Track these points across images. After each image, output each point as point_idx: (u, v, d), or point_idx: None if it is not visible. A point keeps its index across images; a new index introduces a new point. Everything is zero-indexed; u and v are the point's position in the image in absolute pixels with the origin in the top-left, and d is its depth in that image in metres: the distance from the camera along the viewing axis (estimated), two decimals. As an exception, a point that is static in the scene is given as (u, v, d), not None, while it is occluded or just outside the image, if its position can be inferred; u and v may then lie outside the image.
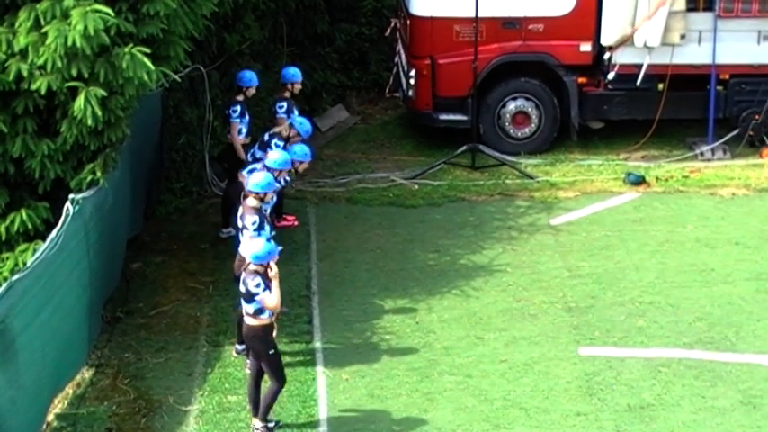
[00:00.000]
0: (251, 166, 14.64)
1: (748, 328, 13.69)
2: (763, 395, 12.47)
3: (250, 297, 11.68)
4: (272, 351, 11.84)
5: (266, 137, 15.12)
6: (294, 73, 16.03)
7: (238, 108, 15.48)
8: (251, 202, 13.02)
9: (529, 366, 13.06)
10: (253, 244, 11.95)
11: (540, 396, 12.55)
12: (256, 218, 12.88)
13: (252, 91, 15.78)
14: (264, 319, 11.75)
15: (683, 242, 15.68)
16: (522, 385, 12.74)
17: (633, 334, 13.63)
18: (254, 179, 13.12)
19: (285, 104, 15.73)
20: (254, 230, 12.84)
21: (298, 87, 16.13)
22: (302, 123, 15.24)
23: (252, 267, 11.72)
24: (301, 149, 14.53)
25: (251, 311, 11.76)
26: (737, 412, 12.21)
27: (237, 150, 15.38)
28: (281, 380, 11.88)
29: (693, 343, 13.42)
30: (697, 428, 11.98)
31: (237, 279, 12.70)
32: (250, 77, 15.69)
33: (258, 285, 11.61)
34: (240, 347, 13.18)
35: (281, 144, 14.88)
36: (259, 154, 14.96)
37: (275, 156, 13.90)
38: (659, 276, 14.85)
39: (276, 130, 15.27)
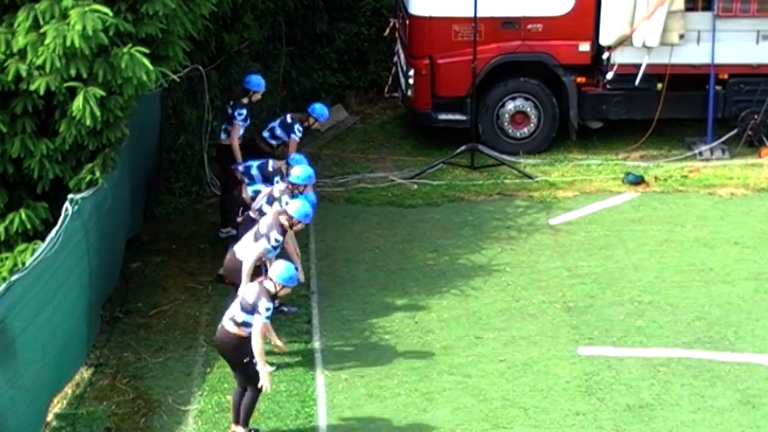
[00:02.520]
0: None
1: (747, 328, 13.69)
2: (762, 395, 12.47)
3: (251, 310, 11.56)
4: (247, 359, 11.67)
5: (270, 166, 14.93)
6: (321, 113, 15.88)
7: (244, 111, 15.45)
8: (282, 218, 13.07)
9: (528, 366, 13.06)
10: (277, 265, 11.85)
11: (539, 396, 12.55)
12: (280, 237, 12.93)
13: (257, 96, 15.78)
14: (244, 332, 11.62)
15: (682, 242, 15.69)
16: (521, 385, 12.74)
17: (632, 333, 13.63)
18: (296, 172, 13.51)
19: (302, 131, 15.67)
20: (272, 247, 12.87)
21: (316, 125, 16.03)
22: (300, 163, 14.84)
23: (267, 287, 11.62)
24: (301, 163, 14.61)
25: (239, 320, 11.61)
26: (736, 412, 12.21)
27: (235, 153, 15.36)
28: (257, 387, 11.73)
29: (692, 342, 13.43)
30: (696, 428, 11.98)
31: (220, 279, 12.77)
32: (258, 82, 15.68)
33: (268, 310, 11.53)
34: None
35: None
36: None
37: (299, 171, 13.87)
38: (658, 276, 14.85)
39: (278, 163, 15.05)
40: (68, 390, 12.67)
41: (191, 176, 16.75)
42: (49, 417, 12.17)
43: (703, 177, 17.49)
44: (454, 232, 16.09)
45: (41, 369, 11.43)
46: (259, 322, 11.49)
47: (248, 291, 11.68)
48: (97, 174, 12.44)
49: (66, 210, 11.72)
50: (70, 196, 11.92)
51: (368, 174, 17.93)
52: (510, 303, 14.33)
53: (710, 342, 13.44)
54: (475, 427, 12.07)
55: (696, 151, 18.17)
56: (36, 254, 11.15)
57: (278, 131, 15.71)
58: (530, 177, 17.57)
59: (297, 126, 15.65)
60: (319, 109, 15.93)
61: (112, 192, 13.07)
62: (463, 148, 17.89)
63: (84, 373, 13.00)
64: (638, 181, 17.34)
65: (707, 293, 14.43)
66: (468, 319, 14.01)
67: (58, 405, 12.43)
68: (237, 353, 11.67)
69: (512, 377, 12.88)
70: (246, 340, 11.60)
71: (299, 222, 13.12)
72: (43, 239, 11.58)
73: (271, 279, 11.68)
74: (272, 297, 11.65)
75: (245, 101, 15.57)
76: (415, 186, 17.45)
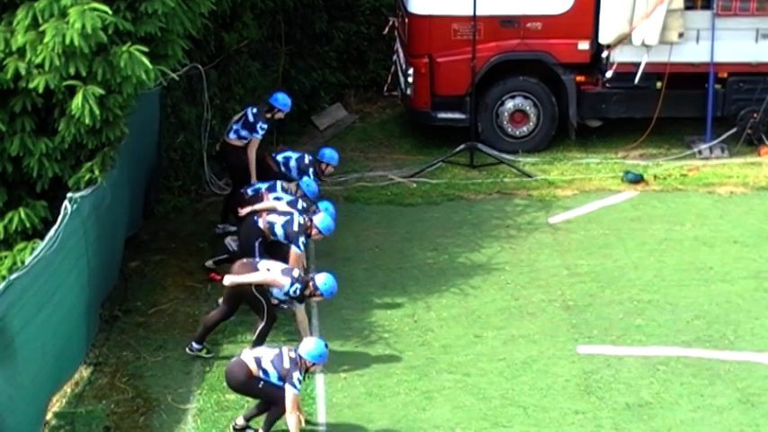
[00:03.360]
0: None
1: (746, 327, 13.70)
2: (762, 393, 12.48)
3: (281, 373, 11.61)
4: (261, 384, 11.73)
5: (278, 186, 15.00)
6: (331, 157, 15.83)
7: (266, 126, 15.47)
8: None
9: (527, 365, 13.07)
10: (307, 343, 11.90)
11: (539, 394, 12.56)
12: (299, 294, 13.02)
13: (281, 115, 15.84)
14: (260, 374, 11.68)
15: (682, 240, 15.70)
16: (521, 383, 12.75)
17: (631, 332, 13.64)
18: (319, 218, 13.67)
19: (313, 177, 15.53)
20: (285, 293, 12.96)
21: (330, 170, 15.98)
22: (309, 185, 15.15)
23: (295, 358, 11.70)
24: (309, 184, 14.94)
25: (263, 365, 11.63)
26: (736, 411, 12.22)
27: (251, 168, 15.35)
28: (281, 404, 11.72)
29: (692, 341, 13.43)
30: (695, 427, 11.99)
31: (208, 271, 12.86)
32: (285, 102, 15.79)
33: (299, 381, 11.60)
34: (196, 346, 13.25)
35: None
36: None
37: (322, 218, 13.96)
38: (657, 275, 14.86)
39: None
40: (67, 388, 12.67)
41: (190, 175, 16.74)
42: (48, 415, 12.17)
43: (703, 176, 17.49)
44: (453, 231, 16.09)
45: (40, 368, 11.43)
46: (291, 393, 11.55)
47: (286, 355, 11.73)
48: (96, 172, 12.44)
49: (66, 208, 11.71)
50: (69, 195, 11.92)
51: (367, 172, 17.93)
52: (509, 302, 14.33)
53: (710, 341, 13.44)
54: (474, 425, 12.08)
55: (695, 150, 18.17)
56: (35, 252, 11.15)
57: (292, 164, 15.60)
58: (529, 176, 17.57)
59: (311, 170, 15.59)
60: (329, 154, 15.86)
61: (111, 190, 13.06)
62: (462, 146, 17.89)
63: (84, 372, 13.01)
64: (638, 180, 17.34)
65: (706, 292, 14.44)
66: (468, 318, 14.01)
67: (57, 404, 12.43)
68: (247, 384, 11.75)
69: (511, 376, 12.88)
70: (257, 380, 11.71)
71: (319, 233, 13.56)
72: (42, 238, 11.58)
73: (300, 356, 11.73)
74: (304, 370, 11.76)
75: (268, 116, 15.56)
76: (415, 185, 17.45)
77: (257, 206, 14.17)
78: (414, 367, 13.08)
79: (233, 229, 15.41)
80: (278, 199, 14.48)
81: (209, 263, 14.91)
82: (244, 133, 15.50)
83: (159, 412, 12.41)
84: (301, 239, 13.78)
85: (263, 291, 12.92)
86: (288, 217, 13.89)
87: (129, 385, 12.83)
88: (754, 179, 17.36)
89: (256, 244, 13.88)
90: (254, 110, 15.58)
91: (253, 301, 12.97)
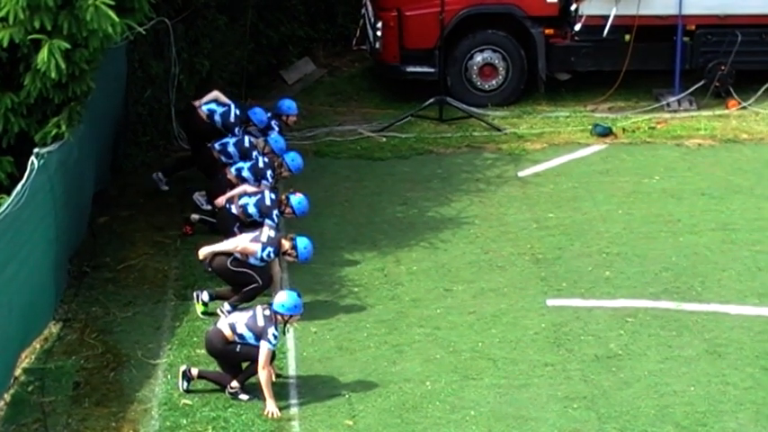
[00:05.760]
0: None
1: (714, 278, 13.78)
2: (728, 344, 12.58)
3: (256, 332, 11.60)
4: (239, 348, 11.70)
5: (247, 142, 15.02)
6: (289, 107, 15.89)
7: (241, 131, 15.45)
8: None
9: (497, 318, 13.12)
10: (279, 296, 11.87)
11: (509, 347, 12.61)
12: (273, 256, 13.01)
13: (292, 119, 15.95)
14: (236, 339, 11.67)
15: (650, 193, 15.76)
16: (491, 336, 12.80)
17: (600, 285, 13.71)
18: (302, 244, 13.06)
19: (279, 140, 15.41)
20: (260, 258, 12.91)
21: (293, 120, 16.03)
22: (277, 141, 15.16)
23: (269, 314, 11.67)
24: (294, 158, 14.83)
25: (237, 330, 11.62)
26: (703, 361, 12.31)
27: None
28: (255, 362, 11.72)
29: (660, 293, 13.51)
30: (663, 377, 12.08)
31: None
32: (261, 119, 15.71)
33: (275, 337, 11.58)
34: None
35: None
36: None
37: (296, 198, 13.83)
38: (626, 227, 14.92)
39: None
40: (37, 344, 12.64)
41: (158, 130, 16.66)
42: (18, 371, 12.14)
43: (671, 129, 17.54)
44: (423, 185, 16.10)
45: (8, 324, 11.38)
46: (265, 348, 11.54)
47: (260, 314, 11.70)
48: (63, 128, 12.34)
49: (32, 164, 11.62)
50: (36, 150, 11.82)
51: (336, 127, 17.89)
52: (479, 255, 14.36)
53: (677, 292, 13.52)
54: (444, 378, 12.12)
55: (664, 102, 18.21)
56: (2, 208, 11.06)
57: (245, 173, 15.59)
58: (498, 130, 17.57)
59: (273, 122, 15.69)
60: (286, 105, 15.92)
61: (79, 146, 12.97)
62: (432, 100, 17.85)
63: (53, 328, 12.97)
64: (606, 132, 17.37)
65: (674, 244, 14.51)
66: (438, 272, 14.04)
67: (26, 360, 12.39)
68: (225, 351, 11.74)
69: (481, 329, 12.93)
70: (234, 344, 11.70)
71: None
72: (9, 194, 11.48)
73: (275, 310, 11.70)
74: (281, 324, 11.74)
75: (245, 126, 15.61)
76: (384, 139, 17.42)
77: (230, 193, 14.11)
78: (384, 321, 13.11)
79: (166, 188, 15.56)
80: (239, 170, 14.44)
81: (194, 216, 14.79)
82: (217, 119, 15.43)
83: (129, 367, 12.40)
84: (275, 212, 13.77)
85: (241, 262, 12.91)
86: (258, 195, 13.90)
87: (98, 341, 12.80)
88: (722, 131, 17.42)
89: (235, 229, 13.86)
90: (238, 111, 15.52)
91: (235, 277, 12.98)
